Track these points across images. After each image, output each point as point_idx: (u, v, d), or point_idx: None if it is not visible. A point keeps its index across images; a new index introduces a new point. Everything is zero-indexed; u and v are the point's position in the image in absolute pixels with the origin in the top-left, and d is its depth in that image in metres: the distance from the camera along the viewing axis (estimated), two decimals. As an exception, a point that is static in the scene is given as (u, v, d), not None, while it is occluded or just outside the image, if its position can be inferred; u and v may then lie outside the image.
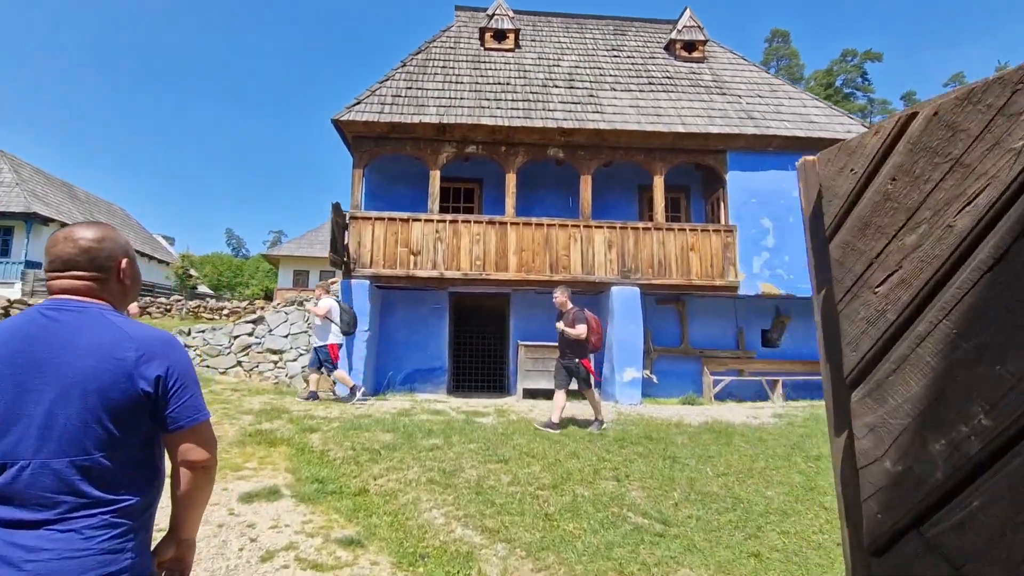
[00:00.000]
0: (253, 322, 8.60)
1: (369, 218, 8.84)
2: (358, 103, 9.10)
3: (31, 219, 19.32)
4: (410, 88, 9.75)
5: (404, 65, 10.36)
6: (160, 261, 29.66)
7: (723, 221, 9.58)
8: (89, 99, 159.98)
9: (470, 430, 5.93)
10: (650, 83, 10.78)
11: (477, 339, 10.96)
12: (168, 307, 17.43)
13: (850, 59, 74.74)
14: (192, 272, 27.54)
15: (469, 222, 8.99)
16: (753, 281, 9.34)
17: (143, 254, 28.75)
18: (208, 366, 8.51)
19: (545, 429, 6.04)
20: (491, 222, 9.01)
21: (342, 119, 8.73)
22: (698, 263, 9.24)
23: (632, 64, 11.46)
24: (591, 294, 9.96)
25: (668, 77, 11.07)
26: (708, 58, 11.92)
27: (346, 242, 8.81)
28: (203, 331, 8.68)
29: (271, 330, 8.61)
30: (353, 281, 8.65)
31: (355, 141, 9.05)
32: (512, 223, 9.01)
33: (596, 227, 9.16)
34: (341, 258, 8.58)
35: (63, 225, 22.38)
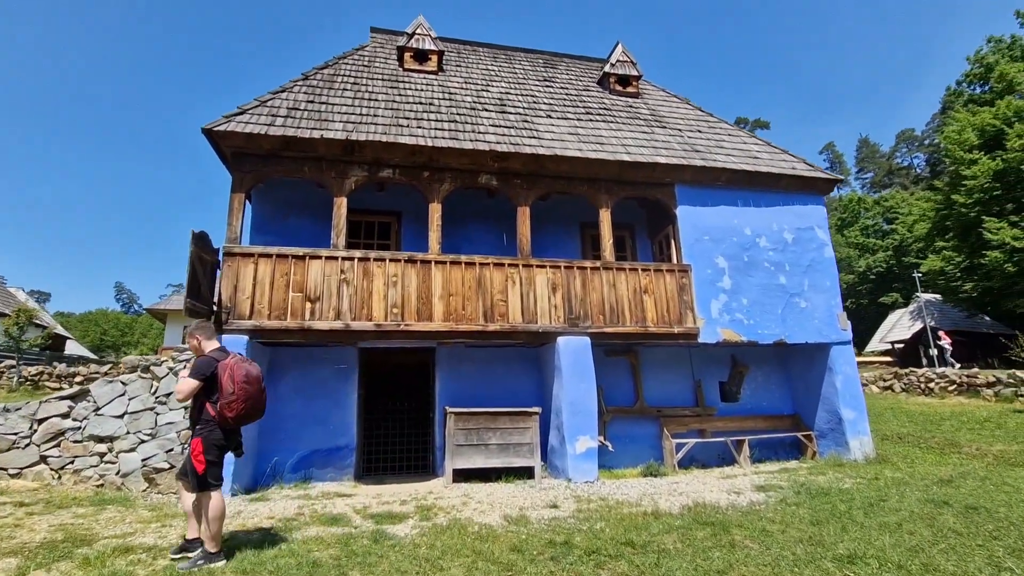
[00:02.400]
0: (71, 397, 6.07)
1: (251, 255, 6.83)
2: (241, 113, 7.26)
3: None
4: (312, 102, 8.07)
5: (306, 78, 8.71)
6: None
7: (675, 260, 8.55)
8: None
9: (378, 557, 3.99)
10: (588, 113, 9.89)
11: (394, 406, 8.94)
12: (-3, 375, 13.70)
13: (743, 126, 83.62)
14: (41, 323, 23.05)
15: (384, 260, 7.25)
16: (713, 327, 8.25)
17: (-14, 310, 23.78)
18: (-7, 466, 5.84)
19: (202, 565, 3.53)
20: (411, 260, 7.33)
21: (217, 129, 6.82)
22: (653, 308, 8.05)
23: (567, 94, 10.59)
24: (534, 346, 8.41)
25: (606, 109, 10.27)
26: (642, 94, 11.37)
27: (217, 286, 6.73)
28: (-10, 413, 6.03)
29: (99, 408, 6.11)
30: (226, 337, 6.51)
31: (235, 159, 7.14)
32: (437, 261, 7.38)
33: (538, 267, 7.75)
34: (208, 307, 6.46)
35: None
